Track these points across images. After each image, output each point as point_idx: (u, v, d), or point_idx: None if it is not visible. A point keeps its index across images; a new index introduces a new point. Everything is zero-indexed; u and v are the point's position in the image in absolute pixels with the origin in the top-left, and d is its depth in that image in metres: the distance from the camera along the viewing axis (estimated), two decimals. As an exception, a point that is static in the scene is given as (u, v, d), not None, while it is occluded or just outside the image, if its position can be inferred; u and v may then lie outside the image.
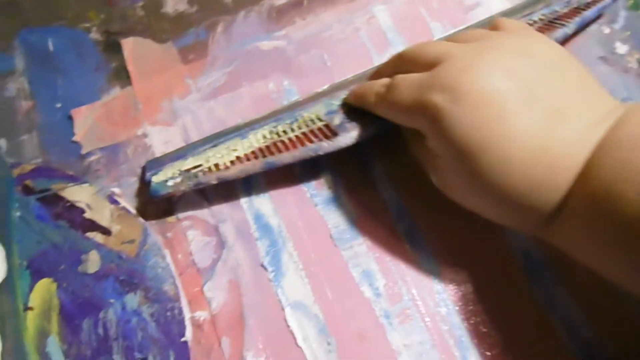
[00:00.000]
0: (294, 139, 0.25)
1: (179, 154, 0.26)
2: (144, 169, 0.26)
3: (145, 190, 0.25)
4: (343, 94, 0.26)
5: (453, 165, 0.20)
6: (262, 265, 0.24)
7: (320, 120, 0.25)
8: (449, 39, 0.23)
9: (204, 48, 0.30)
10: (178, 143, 0.28)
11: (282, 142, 0.25)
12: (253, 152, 0.25)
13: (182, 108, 0.29)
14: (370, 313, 0.23)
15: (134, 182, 0.27)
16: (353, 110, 0.25)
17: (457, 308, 0.23)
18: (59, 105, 0.29)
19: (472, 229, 0.23)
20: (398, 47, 0.29)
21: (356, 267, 0.24)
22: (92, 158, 0.28)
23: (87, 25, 0.32)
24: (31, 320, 0.23)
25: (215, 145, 0.26)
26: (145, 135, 0.28)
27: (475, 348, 0.22)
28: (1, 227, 0.23)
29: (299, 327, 0.23)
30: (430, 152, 0.21)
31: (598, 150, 0.17)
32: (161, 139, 0.28)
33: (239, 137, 0.26)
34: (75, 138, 0.28)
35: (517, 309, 0.23)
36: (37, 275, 0.24)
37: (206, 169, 0.25)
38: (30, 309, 0.24)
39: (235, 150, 0.25)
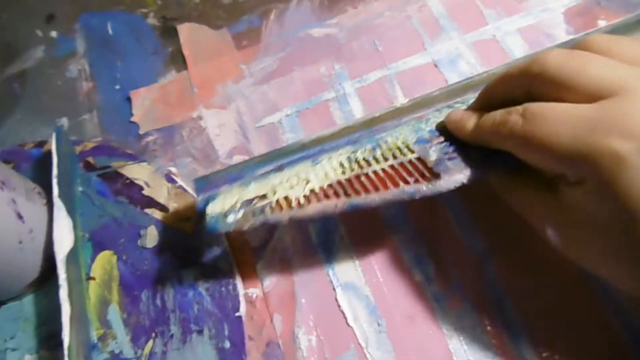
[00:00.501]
0: (381, 174, 0.20)
1: (235, 175, 0.22)
2: (195, 189, 0.23)
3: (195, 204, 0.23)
4: (431, 114, 0.22)
5: (609, 228, 0.16)
6: (315, 247, 0.25)
7: (410, 150, 0.21)
8: (587, 46, 0.18)
9: (257, 35, 0.31)
10: (232, 126, 0.29)
11: (367, 176, 0.21)
12: (331, 187, 0.21)
13: (236, 92, 0.29)
14: (421, 296, 0.23)
15: (189, 163, 0.28)
16: (449, 137, 0.21)
17: (508, 294, 0.23)
18: (117, 87, 0.30)
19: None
20: (450, 33, 0.29)
21: (406, 250, 0.24)
22: (149, 138, 0.29)
23: (145, 10, 0.33)
24: (93, 289, 0.25)
25: (280, 169, 0.22)
26: (200, 118, 0.29)
27: (527, 334, 0.22)
28: (67, 201, 0.24)
29: (349, 307, 0.24)
30: (561, 207, 0.18)
31: None
32: (215, 122, 0.29)
33: (310, 160, 0.22)
34: (133, 119, 0.29)
35: (569, 294, 0.23)
36: (98, 247, 0.25)
37: (274, 204, 0.21)
38: (92, 278, 0.25)
39: (307, 181, 0.21)
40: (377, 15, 0.31)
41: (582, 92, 0.17)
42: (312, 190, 0.21)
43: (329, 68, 0.29)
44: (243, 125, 0.28)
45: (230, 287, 0.24)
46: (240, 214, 0.21)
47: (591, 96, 0.16)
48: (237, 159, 0.28)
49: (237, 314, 0.24)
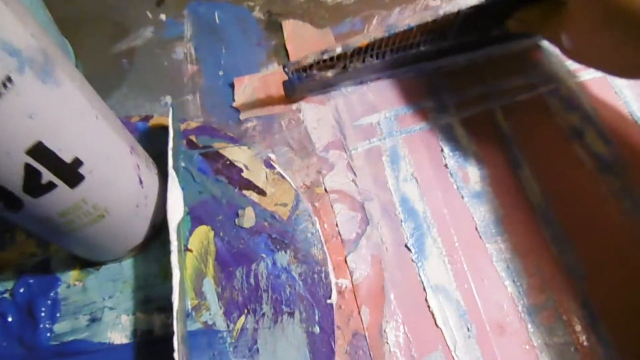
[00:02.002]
0: None
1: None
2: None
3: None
4: None
5: (587, 6, 0.22)
6: (406, 246, 0.26)
7: None
8: None
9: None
10: (329, 121, 0.29)
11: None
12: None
13: (336, 90, 0.30)
14: (513, 308, 0.24)
15: (286, 152, 0.29)
16: None
17: (602, 314, 0.23)
18: (221, 72, 0.32)
19: (622, 238, 0.24)
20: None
21: (500, 261, 0.25)
22: (249, 124, 0.30)
23: (251, 4, 0.34)
24: (190, 261, 0.25)
25: None
26: (299, 110, 0.30)
27: (619, 355, 0.22)
28: (178, 177, 0.26)
29: (439, 309, 0.24)
30: (561, 17, 0.24)
31: None
32: (314, 116, 0.30)
33: None
34: (235, 104, 0.30)
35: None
36: (196, 221, 0.26)
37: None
38: (190, 250, 0.26)
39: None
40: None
41: None
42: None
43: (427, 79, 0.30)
44: (340, 122, 0.29)
45: (323, 274, 0.25)
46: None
47: None
48: (333, 153, 0.28)
49: (328, 301, 0.24)
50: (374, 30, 0.26)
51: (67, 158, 0.18)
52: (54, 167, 0.17)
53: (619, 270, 0.24)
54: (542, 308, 0.23)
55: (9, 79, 0.14)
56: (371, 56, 0.28)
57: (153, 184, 0.25)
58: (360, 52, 0.27)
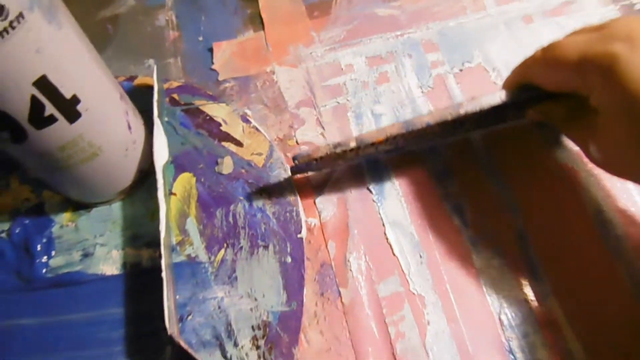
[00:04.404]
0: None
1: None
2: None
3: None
4: None
5: (625, 118, 0.19)
6: (368, 189, 0.29)
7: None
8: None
9: (328, 7, 0.35)
10: (300, 82, 0.32)
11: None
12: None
13: (306, 55, 0.33)
14: (458, 238, 0.27)
15: (261, 109, 0.32)
16: None
17: (533, 241, 0.27)
18: (200, 38, 0.34)
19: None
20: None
21: (449, 201, 0.28)
22: (227, 85, 0.33)
23: (229, -25, 0.37)
24: (174, 203, 0.28)
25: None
26: (272, 72, 0.33)
27: (545, 273, 0.26)
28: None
29: (396, 241, 0.27)
30: (590, 122, 0.21)
31: None
32: (286, 77, 0.33)
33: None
34: (214, 67, 0.33)
35: (585, 244, 0.26)
36: (179, 169, 0.29)
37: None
38: (174, 194, 0.28)
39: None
40: (436, 4, 0.35)
41: (587, 29, 0.22)
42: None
43: (390, 45, 0.33)
44: (311, 83, 0.32)
45: (294, 213, 0.28)
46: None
47: (595, 28, 0.21)
48: (304, 110, 0.31)
49: (299, 236, 0.27)
50: (390, 125, 0.25)
51: (67, 94, 0.20)
52: (55, 101, 0.20)
53: (546, 204, 0.28)
54: (483, 238, 0.27)
55: (22, 15, 0.17)
56: (384, 145, 0.27)
57: (140, 132, 0.27)
58: (374, 144, 0.26)
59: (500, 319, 0.25)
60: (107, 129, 0.24)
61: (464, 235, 0.27)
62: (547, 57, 0.22)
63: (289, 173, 0.29)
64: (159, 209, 0.25)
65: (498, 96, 0.25)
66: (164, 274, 0.23)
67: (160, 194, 0.25)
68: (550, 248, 0.27)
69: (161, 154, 0.27)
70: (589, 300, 0.25)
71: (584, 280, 0.26)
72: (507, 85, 0.26)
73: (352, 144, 0.25)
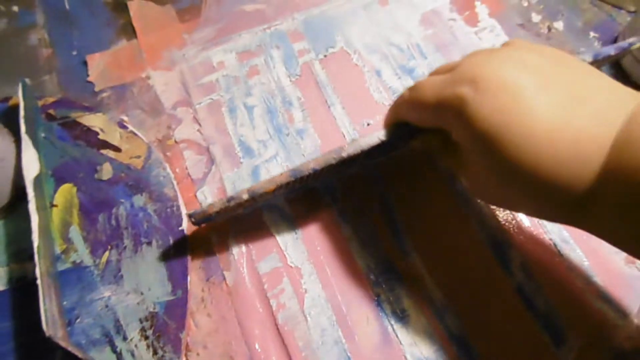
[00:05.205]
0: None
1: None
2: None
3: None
4: None
5: (479, 154, 0.20)
6: (244, 179, 0.31)
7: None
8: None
9: (198, 10, 0.37)
10: (176, 84, 0.34)
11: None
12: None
13: (180, 57, 0.35)
14: (330, 214, 0.29)
15: (139, 114, 0.33)
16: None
17: (399, 213, 0.29)
18: (75, 52, 0.35)
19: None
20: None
21: (324, 188, 0.30)
22: (104, 94, 0.34)
23: (98, -11, 0.37)
24: (56, 215, 0.29)
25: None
26: (148, 78, 0.34)
27: (405, 230, 0.29)
28: (34, 142, 0.29)
29: (273, 222, 0.29)
30: (458, 154, 0.23)
31: (627, 127, 0.18)
32: (162, 81, 0.34)
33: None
34: (89, 78, 0.34)
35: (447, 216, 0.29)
36: (60, 181, 0.30)
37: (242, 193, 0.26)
38: (55, 206, 0.29)
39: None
40: (300, -4, 0.37)
41: (443, 70, 0.23)
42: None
43: (258, 38, 0.35)
44: (186, 83, 0.34)
45: (175, 208, 0.30)
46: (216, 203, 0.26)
47: (449, 69, 0.23)
48: (180, 109, 0.33)
49: (180, 228, 0.29)
50: (279, 175, 0.26)
51: None
52: None
53: (411, 185, 0.30)
54: (351, 208, 0.30)
55: None
56: (276, 192, 0.27)
57: (8, 149, 0.28)
58: (266, 193, 0.26)
59: (369, 278, 0.28)
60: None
61: (334, 209, 0.30)
62: (412, 98, 0.23)
63: (169, 172, 0.30)
64: (31, 220, 0.26)
65: (376, 136, 0.25)
66: (39, 281, 0.24)
67: (32, 206, 0.26)
68: (410, 210, 0.29)
69: (31, 168, 0.28)
70: (446, 252, 0.28)
71: (441, 234, 0.29)
72: (385, 124, 0.27)
73: (245, 196, 0.26)
